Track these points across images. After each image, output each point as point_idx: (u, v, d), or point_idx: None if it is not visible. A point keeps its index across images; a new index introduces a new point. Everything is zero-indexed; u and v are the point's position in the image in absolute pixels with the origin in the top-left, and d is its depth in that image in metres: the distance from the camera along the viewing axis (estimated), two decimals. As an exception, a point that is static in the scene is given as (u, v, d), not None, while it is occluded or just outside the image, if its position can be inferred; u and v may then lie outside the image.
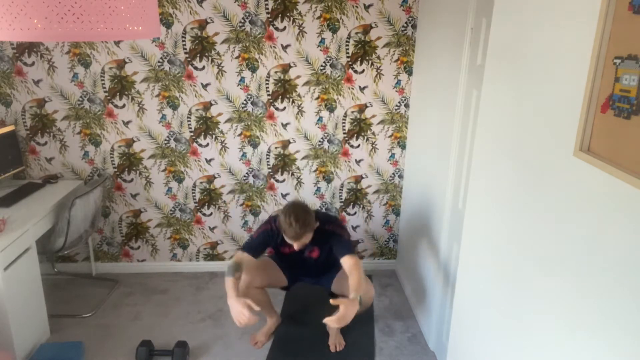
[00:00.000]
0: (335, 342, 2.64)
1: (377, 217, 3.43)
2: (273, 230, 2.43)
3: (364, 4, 2.93)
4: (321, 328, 2.72)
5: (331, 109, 3.14)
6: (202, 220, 3.36)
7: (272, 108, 3.11)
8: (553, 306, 1.34)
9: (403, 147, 3.26)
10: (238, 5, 2.90)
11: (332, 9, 2.94)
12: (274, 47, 2.99)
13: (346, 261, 2.31)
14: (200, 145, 3.17)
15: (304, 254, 2.51)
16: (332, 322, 2.04)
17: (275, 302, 3.05)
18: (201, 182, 3.27)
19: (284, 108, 3.12)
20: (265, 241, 2.45)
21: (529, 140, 1.48)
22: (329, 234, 2.40)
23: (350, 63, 3.05)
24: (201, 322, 2.87)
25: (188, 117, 3.11)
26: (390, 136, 3.23)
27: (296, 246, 2.31)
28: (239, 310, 2.14)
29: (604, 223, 1.12)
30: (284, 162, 3.25)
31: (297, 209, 2.25)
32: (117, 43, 2.96)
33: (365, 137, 3.22)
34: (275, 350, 2.62)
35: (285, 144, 3.20)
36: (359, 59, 3.04)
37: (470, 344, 1.98)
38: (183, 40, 2.95)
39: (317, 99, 3.10)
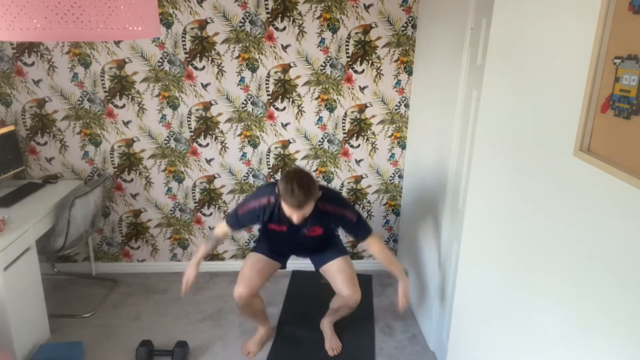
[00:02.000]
0: (332, 346, 2.62)
1: (377, 217, 3.43)
2: (262, 208, 2.25)
3: (364, 4, 2.93)
4: (319, 330, 2.72)
5: (331, 109, 3.14)
6: (202, 220, 3.36)
7: (272, 108, 3.11)
8: (553, 306, 1.34)
9: (403, 147, 3.26)
10: (238, 5, 2.90)
11: (332, 9, 2.94)
12: (274, 47, 2.99)
13: (370, 245, 2.32)
14: (200, 145, 3.17)
15: (301, 232, 2.30)
16: (403, 300, 2.27)
17: (276, 301, 3.05)
18: (201, 182, 3.27)
19: (284, 108, 3.12)
20: (251, 219, 2.31)
21: (528, 140, 1.48)
22: (335, 217, 2.26)
23: (350, 63, 3.05)
24: (201, 322, 2.87)
25: (188, 117, 3.11)
26: (390, 136, 3.23)
27: (295, 218, 2.09)
28: (190, 274, 2.36)
29: (604, 223, 1.12)
30: (284, 162, 3.25)
31: (300, 175, 2.05)
32: (117, 43, 2.96)
33: (365, 137, 3.22)
34: (275, 352, 2.62)
35: (285, 144, 3.20)
36: (359, 59, 3.04)
37: (470, 344, 1.98)
38: (183, 40, 2.95)
39: (317, 99, 3.10)
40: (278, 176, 3.28)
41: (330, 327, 2.69)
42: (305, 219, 2.18)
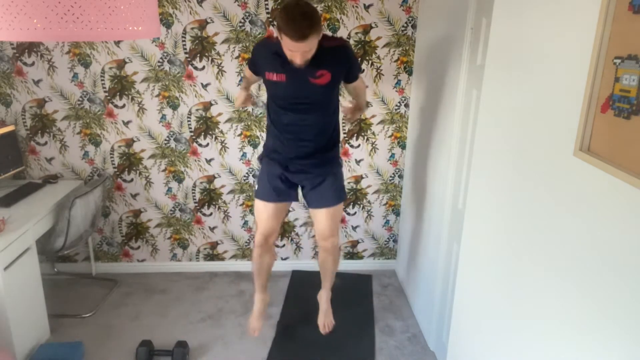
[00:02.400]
0: (325, 322, 2.62)
1: (377, 217, 3.43)
2: (267, 42, 2.12)
3: (364, 4, 2.93)
4: (320, 331, 2.72)
5: (331, 109, 3.14)
6: (202, 220, 3.36)
7: (272, 108, 3.11)
8: (553, 306, 1.34)
9: (403, 147, 3.26)
10: (238, 5, 2.90)
11: (332, 9, 2.93)
12: (274, 47, 2.99)
13: (358, 84, 2.31)
14: (200, 145, 3.17)
15: (304, 81, 2.01)
16: (349, 111, 2.33)
17: (276, 301, 3.05)
18: (201, 182, 3.27)
19: (284, 108, 3.11)
20: (259, 53, 2.13)
21: (528, 140, 1.48)
22: (341, 50, 2.04)
23: (350, 63, 3.05)
24: (201, 322, 2.87)
25: (188, 117, 3.11)
26: (390, 136, 3.23)
27: (298, 58, 1.82)
28: (242, 99, 2.36)
29: (604, 223, 1.12)
30: (284, 162, 3.25)
31: (303, 3, 1.79)
32: (117, 43, 2.96)
33: (365, 137, 3.22)
34: (275, 351, 2.62)
35: (285, 144, 3.20)
36: (359, 59, 3.04)
37: (470, 344, 1.98)
38: (183, 40, 2.95)
39: (317, 99, 3.10)
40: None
41: (327, 301, 2.68)
42: (310, 64, 1.92)
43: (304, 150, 2.25)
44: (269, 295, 2.69)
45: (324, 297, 2.70)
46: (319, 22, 1.78)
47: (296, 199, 2.45)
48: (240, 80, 3.04)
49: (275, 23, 1.89)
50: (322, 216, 2.40)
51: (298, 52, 1.79)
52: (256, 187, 2.41)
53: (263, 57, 2.07)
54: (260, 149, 3.19)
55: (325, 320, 2.64)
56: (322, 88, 2.07)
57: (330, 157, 2.35)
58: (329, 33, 2.98)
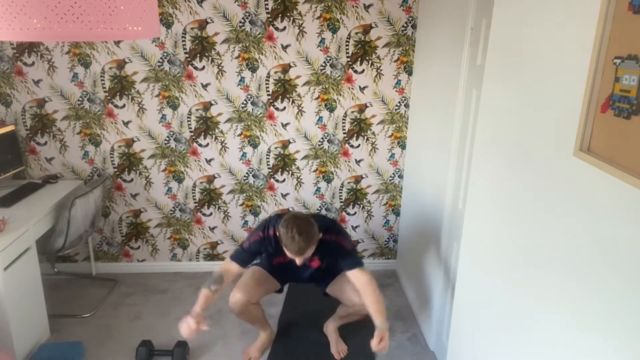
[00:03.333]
0: (339, 350, 2.58)
1: (377, 217, 3.43)
2: (266, 239, 2.23)
3: (364, 4, 2.93)
4: (320, 332, 2.71)
5: (331, 109, 3.14)
6: (202, 220, 3.36)
7: (272, 108, 3.11)
8: (553, 306, 1.34)
9: (403, 147, 3.26)
10: (238, 5, 2.90)
11: (332, 9, 2.93)
12: (274, 47, 2.99)
13: (358, 277, 2.16)
14: (200, 145, 3.17)
15: (304, 263, 2.28)
16: (378, 347, 2.11)
17: (276, 301, 3.05)
18: (201, 182, 3.27)
19: (284, 108, 3.12)
20: (258, 250, 2.27)
21: (528, 140, 1.48)
22: (331, 245, 2.20)
23: (350, 63, 3.05)
24: (201, 322, 2.87)
25: (188, 117, 3.11)
26: (390, 136, 3.23)
27: (298, 261, 2.10)
28: (189, 324, 2.08)
29: (604, 223, 1.12)
30: (284, 162, 3.25)
31: (299, 222, 2.04)
32: (117, 43, 2.96)
33: (365, 137, 3.22)
34: (275, 353, 2.62)
35: (285, 143, 3.20)
36: (359, 59, 3.04)
37: (470, 344, 1.98)
38: (183, 40, 2.95)
39: (317, 99, 3.10)
40: (278, 176, 3.28)
41: (335, 331, 2.63)
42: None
43: (304, 281, 2.52)
44: (272, 330, 2.66)
45: (331, 328, 2.64)
46: (315, 236, 2.05)
47: (281, 290, 2.55)
48: (242, 81, 3.04)
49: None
50: (338, 285, 2.37)
51: (296, 258, 2.09)
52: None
53: (273, 248, 2.23)
54: (260, 149, 3.19)
55: (338, 348, 2.59)
56: (315, 269, 2.38)
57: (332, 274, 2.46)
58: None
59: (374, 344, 2.07)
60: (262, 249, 2.26)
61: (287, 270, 2.40)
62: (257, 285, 2.37)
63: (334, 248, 2.21)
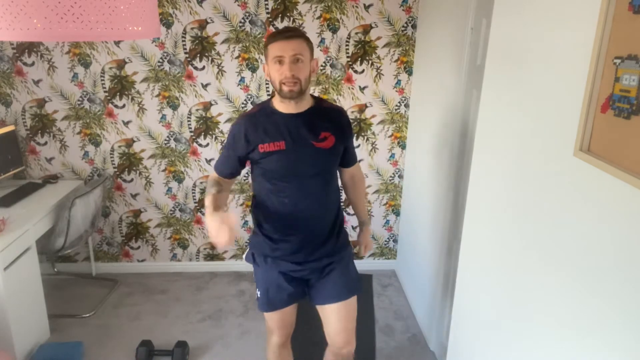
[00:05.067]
0: None
1: (377, 217, 3.43)
2: (243, 121, 1.73)
3: (364, 4, 2.93)
4: (320, 334, 2.71)
5: (331, 109, 3.14)
6: (202, 220, 3.36)
7: (272, 108, 3.11)
8: (553, 306, 1.34)
9: (403, 147, 3.26)
10: (238, 5, 2.90)
11: (332, 9, 2.94)
12: (274, 47, 2.99)
13: (358, 171, 2.00)
14: (200, 145, 3.17)
15: (307, 145, 1.70)
16: (364, 251, 2.01)
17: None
18: (201, 182, 3.27)
19: (284, 108, 3.11)
20: (237, 142, 1.72)
21: (529, 140, 1.48)
22: (339, 112, 1.81)
23: (350, 63, 3.05)
24: (201, 322, 2.87)
25: (188, 117, 3.11)
26: (390, 136, 3.23)
27: (287, 68, 1.58)
28: (218, 227, 1.58)
29: (604, 223, 1.12)
30: (284, 162, 3.25)
31: None
32: (117, 43, 2.96)
33: (365, 137, 3.22)
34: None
35: (285, 144, 3.20)
36: (359, 59, 3.04)
37: (470, 344, 1.98)
38: (183, 40, 2.95)
39: (317, 99, 3.10)
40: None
41: None
42: (310, 120, 1.70)
43: (310, 236, 1.81)
44: None
45: None
46: (308, 37, 1.66)
47: (304, 295, 1.95)
48: (242, 81, 3.04)
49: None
50: (333, 315, 1.88)
51: (286, 57, 1.58)
52: (258, 294, 1.90)
53: (252, 130, 1.70)
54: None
55: None
56: (326, 153, 1.75)
57: (341, 241, 1.91)
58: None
59: (364, 239, 2.00)
60: (241, 138, 1.71)
61: (289, 170, 1.73)
62: (286, 321, 1.97)
63: (345, 123, 1.82)
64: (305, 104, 1.72)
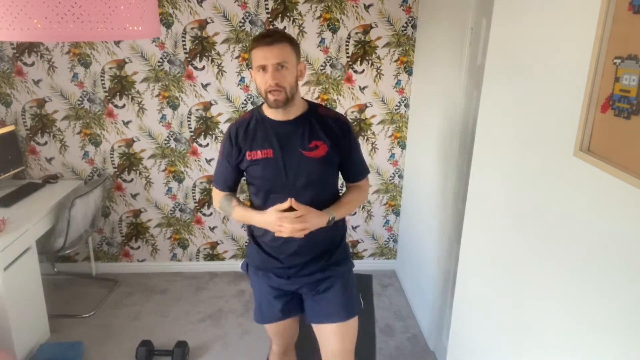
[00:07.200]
0: None
1: (377, 217, 3.43)
2: (233, 128, 1.68)
3: (364, 4, 2.93)
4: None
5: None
6: (202, 220, 3.36)
7: (272, 108, 3.11)
8: (553, 306, 1.34)
9: (403, 147, 3.26)
10: (238, 5, 2.90)
11: (332, 9, 2.93)
12: (274, 47, 2.99)
13: (362, 185, 1.85)
14: (200, 145, 3.17)
15: (296, 154, 1.62)
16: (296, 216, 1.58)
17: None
18: (201, 182, 3.27)
19: (284, 108, 3.11)
20: (229, 149, 1.67)
21: (528, 140, 1.48)
22: (339, 121, 1.69)
23: (350, 63, 3.05)
24: (201, 322, 2.87)
25: (188, 117, 3.11)
26: (390, 136, 3.23)
27: (270, 76, 1.51)
28: (276, 218, 1.56)
29: (604, 223, 1.12)
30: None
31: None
32: (117, 43, 2.96)
33: (366, 137, 3.22)
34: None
35: (285, 144, 3.20)
36: (359, 59, 3.04)
37: (470, 344, 1.98)
38: (183, 40, 2.95)
39: (317, 98, 3.10)
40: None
41: None
42: (301, 127, 1.63)
43: (301, 251, 1.70)
44: None
45: None
46: (293, 39, 1.59)
47: (299, 311, 1.88)
48: (242, 81, 3.04)
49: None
50: (331, 336, 1.75)
51: (269, 65, 1.51)
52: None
53: (242, 136, 1.66)
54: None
55: None
56: (316, 163, 1.64)
57: (337, 256, 1.78)
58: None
59: (310, 213, 1.59)
60: (229, 145, 1.67)
61: (277, 178, 1.64)
62: (286, 332, 1.93)
63: (345, 132, 1.70)
64: (295, 111, 1.64)
